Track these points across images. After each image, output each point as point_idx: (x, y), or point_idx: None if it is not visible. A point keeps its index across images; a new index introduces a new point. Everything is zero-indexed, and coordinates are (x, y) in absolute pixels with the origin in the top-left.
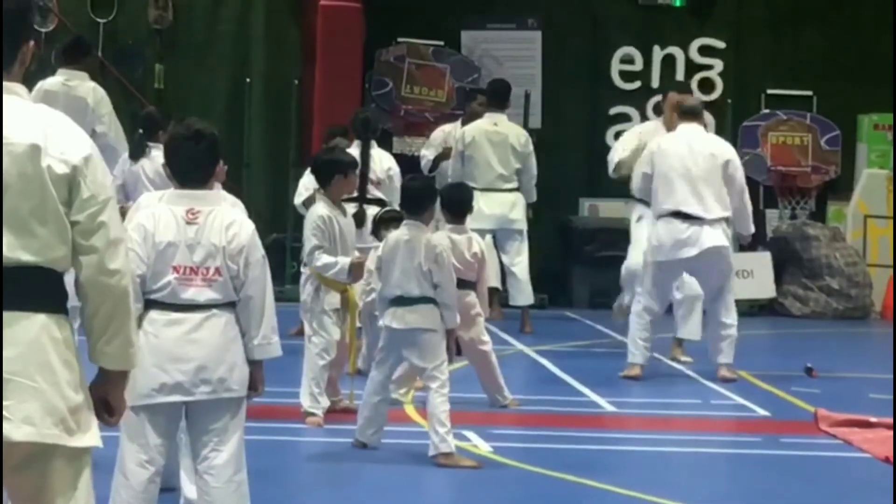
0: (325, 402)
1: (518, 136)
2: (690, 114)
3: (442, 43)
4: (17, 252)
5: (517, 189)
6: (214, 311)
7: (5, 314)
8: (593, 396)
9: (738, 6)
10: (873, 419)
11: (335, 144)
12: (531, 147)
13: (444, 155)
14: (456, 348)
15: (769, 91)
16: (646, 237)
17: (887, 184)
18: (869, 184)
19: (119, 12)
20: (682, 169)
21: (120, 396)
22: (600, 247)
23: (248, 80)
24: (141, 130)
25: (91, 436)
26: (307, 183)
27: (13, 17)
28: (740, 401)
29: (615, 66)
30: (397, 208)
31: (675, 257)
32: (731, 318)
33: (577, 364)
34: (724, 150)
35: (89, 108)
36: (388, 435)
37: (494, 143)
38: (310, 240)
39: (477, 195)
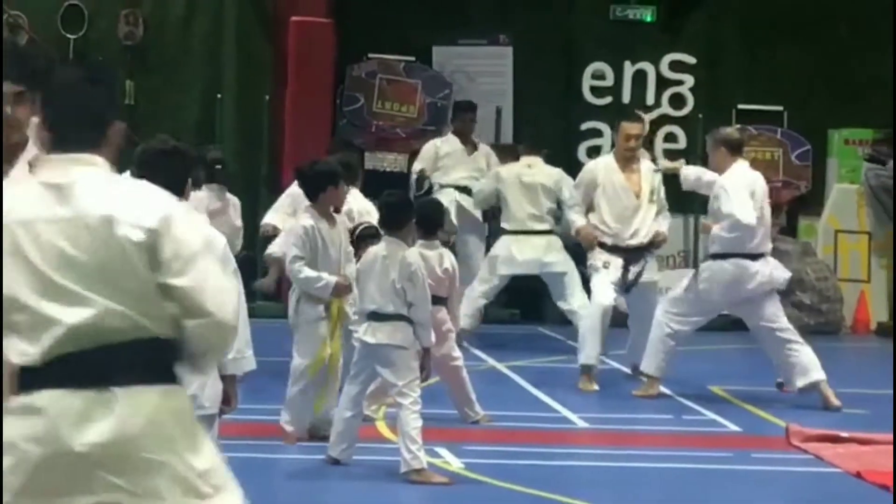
0: (301, 417)
1: (550, 174)
2: (739, 149)
3: (413, 59)
4: (116, 325)
5: (551, 231)
6: None
7: (122, 391)
8: (565, 412)
9: (709, 22)
10: (844, 434)
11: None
12: (564, 181)
13: (421, 179)
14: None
15: (740, 106)
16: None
17: (858, 199)
18: (839, 199)
19: (89, 28)
20: (766, 207)
21: (234, 392)
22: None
23: (219, 95)
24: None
25: (229, 494)
26: (283, 209)
27: (104, 97)
28: (712, 416)
29: (586, 82)
30: (374, 225)
31: (738, 297)
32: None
33: (549, 380)
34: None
35: None
36: (360, 451)
37: (525, 184)
38: (291, 249)
39: (508, 239)
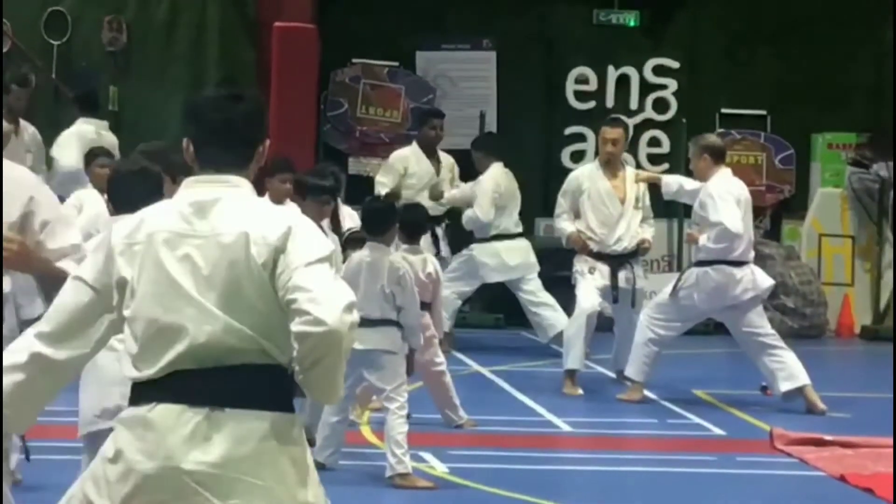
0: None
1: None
2: (723, 156)
3: (397, 63)
4: (238, 345)
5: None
6: None
7: (234, 412)
8: (550, 416)
9: (692, 26)
10: (828, 437)
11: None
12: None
13: (395, 194)
14: (408, 368)
15: (723, 110)
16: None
17: (841, 202)
18: (823, 202)
19: (73, 34)
20: (749, 215)
21: None
22: (556, 266)
23: None
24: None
25: None
26: None
27: (252, 118)
28: (696, 420)
29: (570, 86)
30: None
31: (722, 304)
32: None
33: (533, 384)
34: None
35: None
36: (345, 456)
37: (512, 190)
38: None
39: (498, 246)
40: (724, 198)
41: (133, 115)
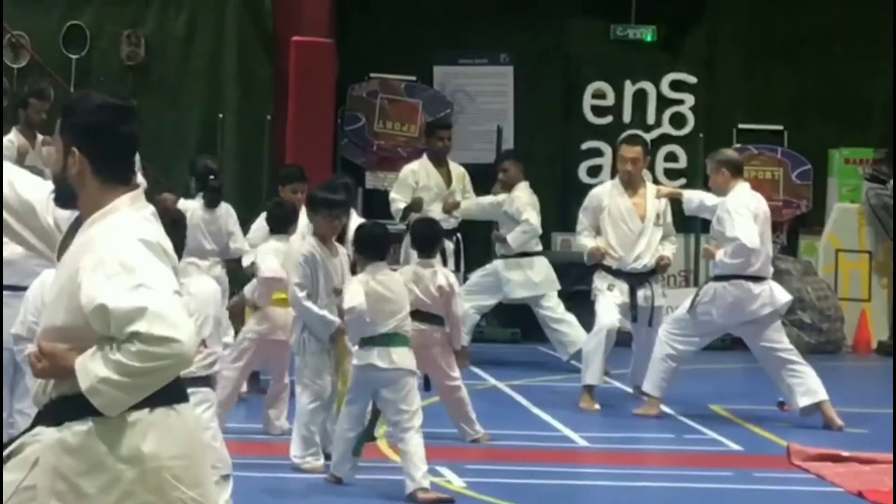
0: (317, 447)
1: None
2: (741, 170)
3: (414, 78)
4: None
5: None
6: None
7: (177, 408)
8: (566, 431)
9: (709, 42)
10: (845, 453)
11: (299, 189)
12: None
13: (414, 206)
14: (425, 383)
15: (740, 125)
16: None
17: (858, 218)
18: (840, 218)
19: (91, 48)
20: (767, 230)
21: None
22: (573, 281)
23: (220, 115)
24: (193, 178)
25: None
26: (255, 240)
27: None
28: (713, 435)
29: (587, 101)
30: None
31: (740, 319)
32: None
33: (549, 398)
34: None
35: None
36: (362, 470)
37: (538, 208)
38: (293, 275)
39: (527, 261)
40: (741, 213)
41: (151, 129)
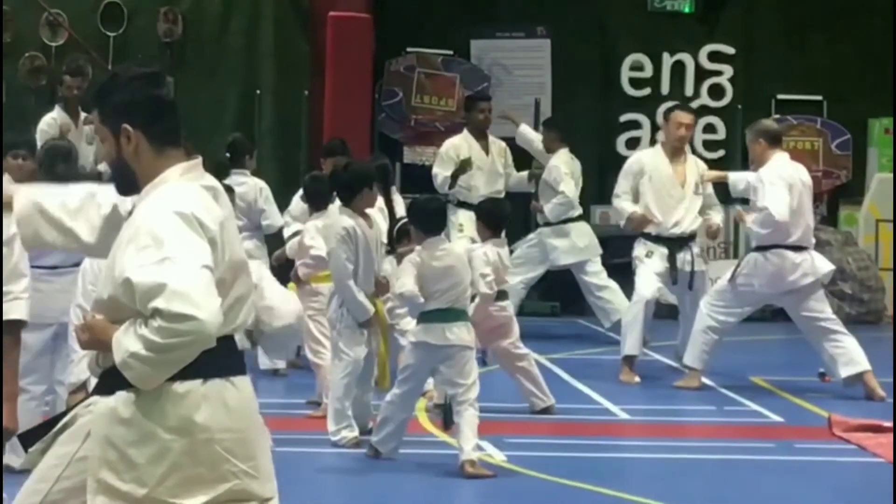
0: (349, 420)
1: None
2: (779, 140)
3: (451, 52)
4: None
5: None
6: None
7: (233, 380)
8: (607, 404)
9: (747, 12)
10: (887, 423)
11: (341, 162)
12: None
13: (462, 169)
14: (483, 358)
15: (779, 96)
16: (654, 272)
17: None
18: (880, 188)
19: (129, 26)
20: (807, 200)
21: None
22: (612, 254)
23: (258, 91)
24: (228, 155)
25: None
26: (296, 212)
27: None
28: (754, 407)
29: (625, 74)
30: None
31: (781, 289)
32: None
33: (589, 372)
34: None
35: None
36: (402, 444)
37: (578, 175)
38: (337, 254)
39: (570, 227)
40: (774, 182)
41: (189, 106)
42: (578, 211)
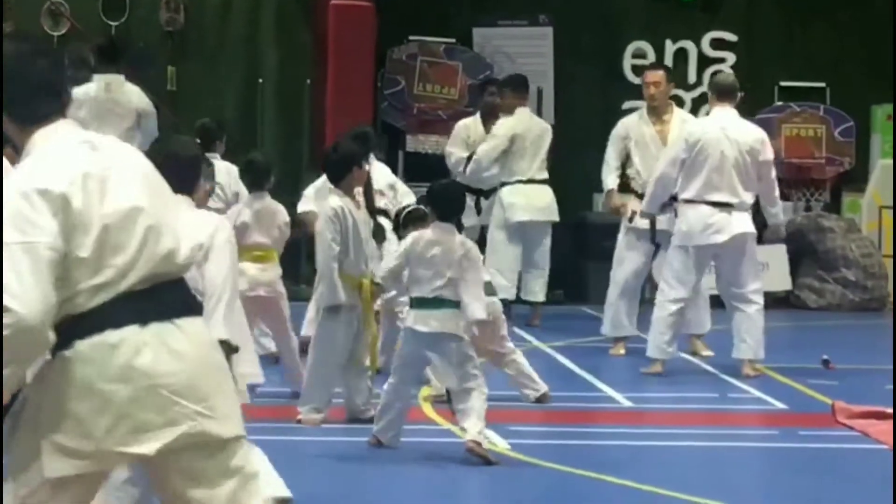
0: (321, 404)
1: (548, 129)
2: (726, 94)
3: (454, 40)
4: (177, 258)
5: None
6: None
7: (178, 322)
8: (610, 392)
9: (749, 0)
10: (890, 410)
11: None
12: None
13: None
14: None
15: (782, 83)
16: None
17: None
18: (883, 175)
19: (131, 15)
20: (716, 155)
21: None
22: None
23: (260, 80)
24: (198, 140)
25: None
26: (311, 194)
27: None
28: (758, 394)
29: (627, 61)
30: (422, 207)
31: (705, 242)
32: (753, 307)
33: (593, 360)
34: (758, 134)
35: (136, 111)
36: (405, 433)
37: (535, 135)
38: (324, 233)
39: (522, 188)
40: (674, 143)
41: (191, 94)
42: (540, 174)
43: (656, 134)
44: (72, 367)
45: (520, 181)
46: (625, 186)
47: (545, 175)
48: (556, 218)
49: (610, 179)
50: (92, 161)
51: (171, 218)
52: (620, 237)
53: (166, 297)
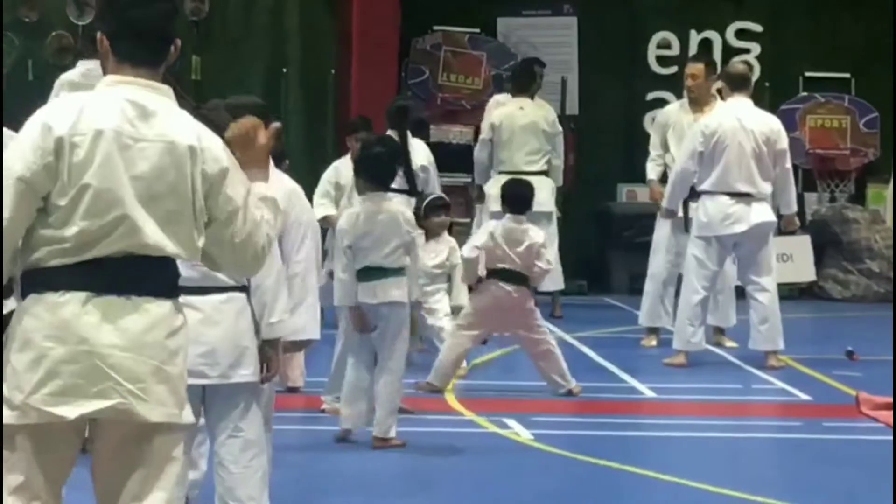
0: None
1: (545, 117)
2: (740, 84)
3: (478, 30)
4: (163, 243)
5: (544, 172)
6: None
7: (137, 301)
8: (633, 382)
9: None
10: None
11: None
12: (560, 128)
13: None
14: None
15: (807, 74)
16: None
17: None
18: None
19: None
20: (734, 146)
21: (276, 357)
22: (638, 232)
23: (284, 70)
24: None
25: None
26: (325, 191)
27: (169, 15)
28: (782, 385)
29: (652, 51)
30: (443, 195)
31: (725, 232)
32: (766, 296)
33: (616, 350)
34: (773, 123)
35: None
36: (425, 423)
37: (522, 126)
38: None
39: (501, 178)
40: (693, 133)
41: (215, 84)
42: (526, 166)
43: (694, 123)
44: (21, 317)
45: (502, 172)
46: (664, 176)
47: (536, 167)
48: (547, 209)
49: (651, 169)
50: (117, 121)
51: (179, 207)
52: (657, 227)
53: (133, 273)
